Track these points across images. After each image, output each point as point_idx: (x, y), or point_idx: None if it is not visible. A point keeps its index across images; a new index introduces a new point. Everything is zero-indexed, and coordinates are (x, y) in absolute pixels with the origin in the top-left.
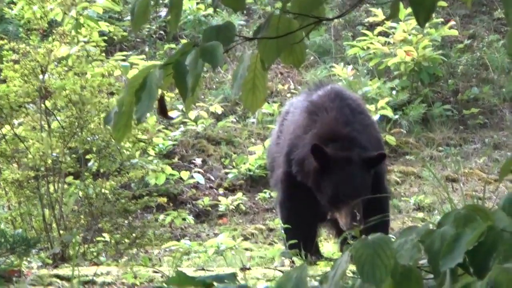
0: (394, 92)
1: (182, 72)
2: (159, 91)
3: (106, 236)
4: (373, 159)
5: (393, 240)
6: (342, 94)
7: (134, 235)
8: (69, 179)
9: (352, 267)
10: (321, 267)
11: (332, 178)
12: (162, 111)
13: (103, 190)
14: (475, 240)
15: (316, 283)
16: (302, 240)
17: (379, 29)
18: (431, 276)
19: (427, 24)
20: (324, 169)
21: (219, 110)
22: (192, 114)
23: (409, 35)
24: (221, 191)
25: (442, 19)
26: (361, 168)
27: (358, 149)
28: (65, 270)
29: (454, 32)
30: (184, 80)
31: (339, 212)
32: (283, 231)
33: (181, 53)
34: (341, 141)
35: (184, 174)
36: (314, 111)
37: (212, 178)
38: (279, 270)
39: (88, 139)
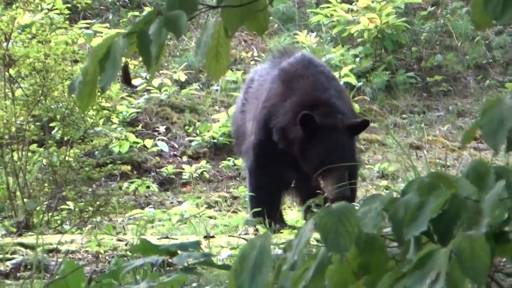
0: (357, 60)
1: (145, 41)
2: (123, 59)
3: (70, 204)
4: (358, 126)
5: (357, 208)
6: (314, 61)
7: (98, 203)
8: (33, 147)
9: (316, 236)
10: (285, 235)
11: (319, 146)
12: (126, 79)
13: (67, 158)
14: (439, 208)
15: (280, 251)
16: (268, 208)
17: None
18: (395, 244)
19: None
20: (311, 137)
21: (182, 77)
22: (156, 82)
23: (373, 2)
24: (185, 159)
25: None
26: (346, 135)
27: (340, 115)
28: (29, 238)
29: None
30: (148, 49)
31: (324, 180)
32: (248, 199)
33: (144, 22)
34: (323, 108)
35: (148, 142)
36: (289, 78)
37: (176, 146)
38: (243, 238)
39: (52, 107)
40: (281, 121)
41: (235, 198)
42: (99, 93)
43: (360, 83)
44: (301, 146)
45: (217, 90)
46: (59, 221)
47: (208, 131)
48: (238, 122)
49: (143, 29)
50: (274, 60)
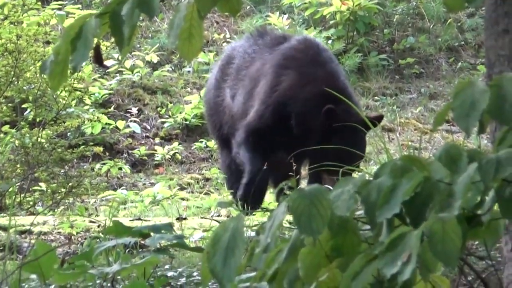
0: (329, 42)
1: (118, 22)
2: (95, 40)
3: (43, 186)
4: (374, 121)
5: (329, 191)
6: (320, 46)
7: (70, 184)
8: (5, 128)
9: (289, 218)
10: (258, 218)
11: (338, 143)
12: (98, 59)
13: (39, 139)
14: (411, 190)
15: (253, 234)
16: (260, 189)
17: None
18: (368, 227)
19: None
20: (331, 132)
21: (155, 59)
22: (128, 63)
23: None
24: (157, 140)
25: None
26: (363, 134)
27: (357, 110)
28: (1, 219)
29: None
30: (120, 30)
31: (331, 176)
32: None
33: (117, 2)
34: (343, 102)
35: (120, 124)
36: (301, 64)
37: (148, 127)
38: (216, 220)
39: (24, 88)
40: (302, 108)
41: (207, 180)
42: (70, 73)
43: None
44: (319, 139)
45: (189, 71)
46: (31, 203)
47: (181, 112)
48: (212, 100)
49: (116, 9)
50: (254, 38)
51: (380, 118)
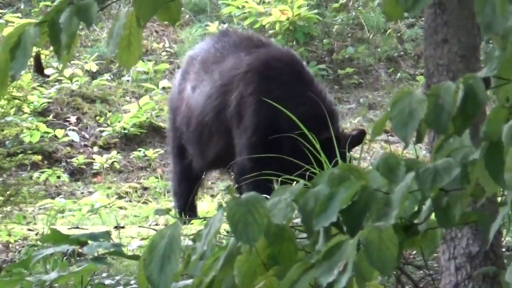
0: None
1: (56, 30)
2: (35, 49)
3: None
4: (356, 139)
5: (266, 199)
6: (302, 62)
7: (8, 192)
8: None
9: (227, 227)
10: (196, 226)
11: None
12: (38, 68)
13: None
14: (348, 199)
15: (190, 242)
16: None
17: None
18: (305, 235)
19: None
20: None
21: (94, 68)
22: (67, 72)
23: None
24: (95, 149)
25: None
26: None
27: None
28: None
29: None
30: (58, 38)
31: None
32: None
33: (56, 11)
34: (333, 124)
35: (59, 132)
36: (290, 81)
37: (87, 136)
38: (153, 229)
39: None
40: (295, 129)
41: (145, 189)
42: (10, 82)
43: None
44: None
45: (128, 80)
46: None
47: (119, 121)
48: (175, 106)
49: (54, 18)
50: (217, 37)
51: (364, 134)
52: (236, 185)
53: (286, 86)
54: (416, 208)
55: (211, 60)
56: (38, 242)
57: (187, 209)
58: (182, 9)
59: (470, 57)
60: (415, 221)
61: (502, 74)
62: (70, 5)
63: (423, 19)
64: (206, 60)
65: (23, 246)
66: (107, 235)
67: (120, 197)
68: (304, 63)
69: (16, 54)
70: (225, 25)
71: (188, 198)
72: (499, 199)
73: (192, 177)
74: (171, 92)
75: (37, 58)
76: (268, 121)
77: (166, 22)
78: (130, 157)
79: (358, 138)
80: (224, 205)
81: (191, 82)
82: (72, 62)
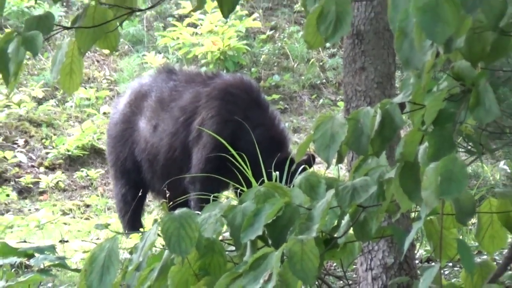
0: None
1: (5, 59)
2: None
3: None
4: (309, 163)
5: (198, 215)
6: (258, 88)
7: None
8: None
9: (161, 240)
10: (135, 240)
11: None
12: None
13: None
14: (273, 214)
15: (128, 255)
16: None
17: (188, 20)
18: (233, 248)
19: (232, 16)
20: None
21: (40, 94)
22: (16, 98)
23: (216, 26)
24: (42, 169)
25: (246, 12)
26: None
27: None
28: None
29: (258, 24)
30: (6, 66)
31: None
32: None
33: (4, 41)
34: (284, 147)
35: (8, 154)
36: (248, 106)
37: (34, 157)
38: (95, 243)
39: None
40: (253, 150)
41: (87, 206)
42: None
43: None
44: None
45: (71, 106)
46: None
47: (64, 144)
48: (119, 133)
49: (3, 47)
50: (165, 75)
51: (313, 158)
52: (173, 202)
53: (245, 110)
54: (335, 223)
55: (168, 99)
56: None
57: (135, 226)
58: (121, 40)
59: (386, 84)
60: (335, 235)
61: (417, 100)
62: (17, 36)
63: (343, 49)
64: (162, 99)
65: None
66: (52, 248)
67: (64, 214)
68: (260, 89)
69: None
70: (161, 55)
71: (135, 216)
72: (412, 214)
73: (136, 197)
74: (112, 118)
75: None
76: (228, 140)
77: (106, 52)
78: (74, 177)
79: (308, 161)
80: (158, 220)
81: (148, 119)
82: (20, 89)
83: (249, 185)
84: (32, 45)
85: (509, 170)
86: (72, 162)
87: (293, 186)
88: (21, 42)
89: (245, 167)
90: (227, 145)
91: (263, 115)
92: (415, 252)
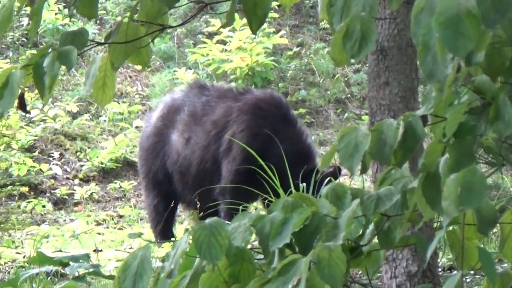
0: None
1: (40, 72)
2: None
3: None
4: (335, 175)
5: (228, 224)
6: (287, 104)
7: None
8: None
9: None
10: (167, 249)
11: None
12: (22, 106)
13: None
14: (300, 223)
15: (160, 264)
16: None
17: (217, 37)
18: (262, 256)
19: (260, 33)
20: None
21: (74, 109)
22: (51, 113)
23: (244, 43)
24: (76, 181)
25: (273, 29)
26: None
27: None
28: None
29: (285, 41)
30: (42, 80)
31: None
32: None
33: (40, 55)
34: (311, 161)
35: (44, 166)
36: (276, 121)
37: (68, 169)
38: (127, 252)
39: None
40: (278, 163)
41: (121, 216)
42: None
43: None
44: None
45: (105, 120)
46: None
47: (97, 157)
48: (151, 145)
49: (38, 61)
50: (198, 90)
51: (339, 170)
52: (204, 212)
53: (274, 124)
54: (360, 232)
55: (201, 113)
56: (26, 263)
57: (166, 236)
58: (153, 56)
59: (409, 98)
60: (360, 243)
61: (438, 113)
62: (52, 50)
63: (367, 65)
64: (195, 113)
65: (12, 268)
66: (86, 257)
67: (98, 224)
68: (288, 105)
69: (4, 93)
70: (191, 71)
71: (167, 226)
72: (435, 224)
73: (167, 208)
74: (145, 131)
75: (21, 96)
76: (257, 153)
77: (138, 68)
78: (107, 188)
79: (334, 173)
80: (190, 229)
81: (180, 132)
82: (55, 103)
83: (277, 196)
84: (67, 59)
85: None
86: (105, 174)
87: (320, 196)
88: (56, 57)
89: (274, 178)
90: (257, 157)
91: (291, 130)
92: (438, 260)
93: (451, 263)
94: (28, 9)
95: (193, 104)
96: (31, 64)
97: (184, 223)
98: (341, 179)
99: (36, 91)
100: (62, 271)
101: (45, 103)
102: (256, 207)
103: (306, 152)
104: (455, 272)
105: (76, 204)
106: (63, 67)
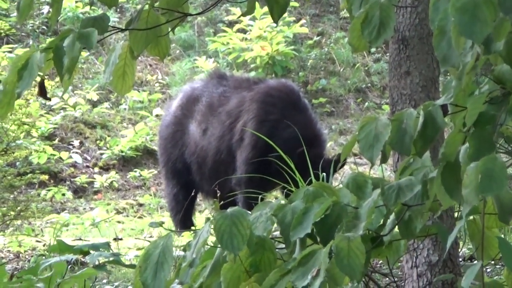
0: None
1: (60, 53)
2: (40, 75)
3: None
4: (340, 162)
5: (249, 213)
6: (299, 93)
7: (18, 208)
8: None
9: (213, 238)
10: (187, 238)
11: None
12: (42, 92)
13: None
14: (321, 213)
15: (181, 253)
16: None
17: (237, 26)
18: (283, 246)
19: (280, 22)
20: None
21: (94, 97)
22: (71, 101)
23: (264, 32)
24: (96, 169)
25: (294, 18)
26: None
27: (326, 152)
28: None
29: (305, 30)
30: (61, 61)
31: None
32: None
33: (60, 38)
34: (316, 146)
35: (64, 154)
36: (285, 107)
37: (88, 158)
38: (148, 241)
39: None
40: (282, 146)
41: (141, 205)
42: (19, 108)
43: None
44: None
45: (125, 108)
46: None
47: (117, 145)
48: (170, 135)
49: (58, 44)
50: (216, 80)
51: (339, 159)
52: (222, 202)
53: (282, 110)
54: (381, 221)
55: (217, 104)
56: (46, 252)
57: (186, 225)
58: (173, 45)
59: (430, 87)
60: (381, 233)
61: (458, 102)
62: (73, 32)
63: (388, 54)
64: (212, 104)
65: (32, 256)
66: (107, 246)
67: (118, 213)
68: (301, 93)
69: (23, 74)
70: (211, 60)
71: (187, 215)
72: (456, 214)
73: (187, 197)
74: (164, 120)
75: (41, 83)
76: (265, 139)
77: (156, 56)
78: (127, 177)
79: (337, 161)
80: (211, 218)
81: (198, 123)
82: (75, 92)
83: (295, 185)
84: (87, 40)
85: None
86: (125, 163)
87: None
88: (77, 37)
89: (291, 166)
90: (271, 143)
91: (301, 116)
92: (459, 250)
93: (472, 253)
94: None
95: (211, 94)
96: (51, 47)
97: (204, 213)
98: (360, 169)
99: (57, 79)
100: (82, 259)
101: (65, 89)
102: (276, 197)
103: (314, 137)
104: (475, 262)
105: (96, 192)
106: (84, 56)
